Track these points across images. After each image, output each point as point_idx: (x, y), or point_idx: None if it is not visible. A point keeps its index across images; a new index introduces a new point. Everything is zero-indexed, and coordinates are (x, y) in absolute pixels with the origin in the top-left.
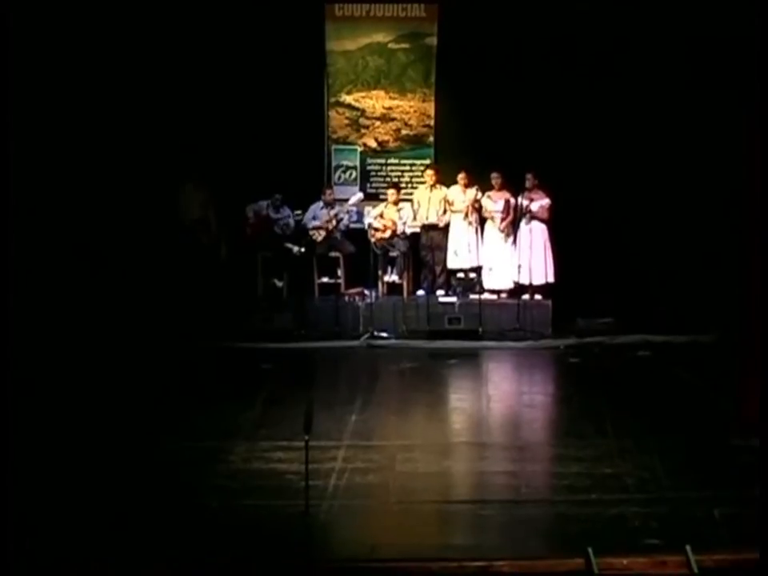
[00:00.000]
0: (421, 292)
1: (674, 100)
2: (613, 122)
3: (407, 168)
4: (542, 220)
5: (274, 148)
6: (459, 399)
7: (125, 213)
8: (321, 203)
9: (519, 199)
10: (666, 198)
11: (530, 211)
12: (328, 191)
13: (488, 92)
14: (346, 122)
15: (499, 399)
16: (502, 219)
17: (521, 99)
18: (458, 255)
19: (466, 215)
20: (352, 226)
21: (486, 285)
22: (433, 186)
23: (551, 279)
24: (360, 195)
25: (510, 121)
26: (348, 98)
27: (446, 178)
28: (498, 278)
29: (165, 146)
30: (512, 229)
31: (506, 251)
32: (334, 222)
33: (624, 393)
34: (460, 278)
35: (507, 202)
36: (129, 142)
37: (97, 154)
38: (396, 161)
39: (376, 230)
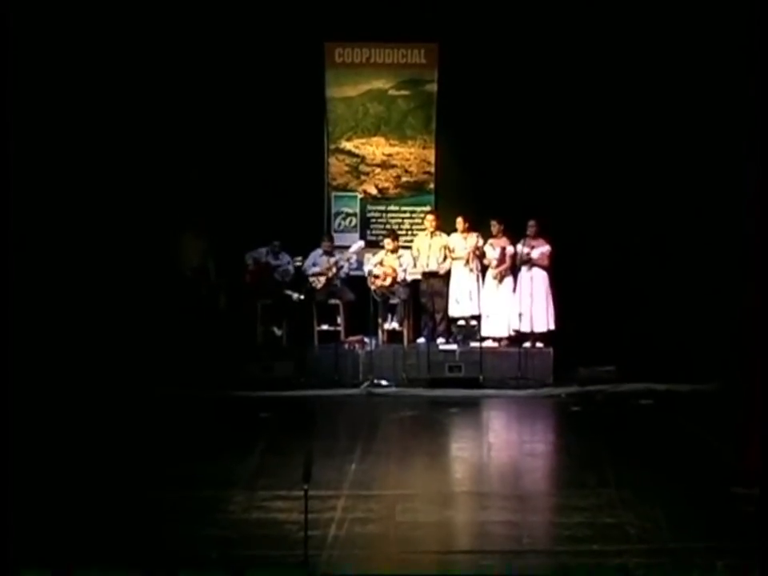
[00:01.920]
0: (421, 340)
1: (673, 144)
2: (614, 169)
3: (407, 215)
4: (542, 267)
5: (273, 195)
6: (460, 448)
7: (125, 261)
8: (321, 250)
9: (519, 246)
10: (668, 246)
11: (531, 258)
12: (326, 243)
13: (489, 139)
14: (346, 168)
15: (500, 448)
16: (496, 266)
17: (522, 146)
18: (460, 303)
19: (467, 262)
20: (352, 273)
21: (483, 332)
22: (433, 232)
23: (552, 327)
24: (361, 243)
25: (511, 168)
26: (348, 145)
27: (446, 225)
28: (495, 325)
29: (164, 193)
30: (503, 276)
31: (502, 298)
32: (334, 270)
33: (626, 442)
34: (461, 326)
35: (503, 249)
36: (128, 190)
37: (96, 200)
38: (396, 207)
39: (376, 277)
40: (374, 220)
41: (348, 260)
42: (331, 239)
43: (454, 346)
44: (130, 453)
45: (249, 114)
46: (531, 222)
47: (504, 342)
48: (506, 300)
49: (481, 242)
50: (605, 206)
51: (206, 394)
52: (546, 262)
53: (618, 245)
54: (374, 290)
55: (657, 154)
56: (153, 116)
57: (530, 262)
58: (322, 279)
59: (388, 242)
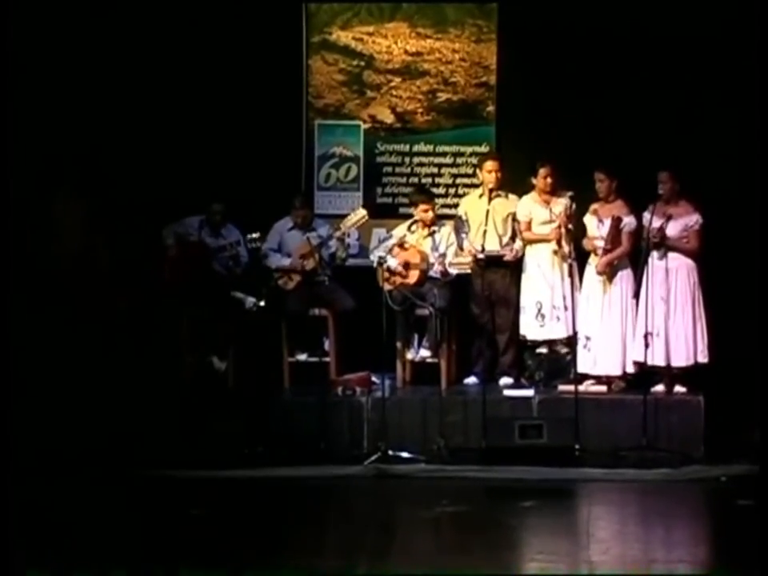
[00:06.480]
0: (471, 379)
1: None
2: None
3: (448, 161)
4: (687, 253)
5: (210, 126)
6: (542, 570)
7: None
8: (290, 222)
9: (646, 216)
10: None
11: (665, 237)
12: (300, 211)
13: (591, 29)
14: (340, 77)
15: (612, 570)
16: (603, 253)
17: (644, 42)
18: (541, 315)
19: (559, 244)
20: (349, 262)
21: (584, 367)
22: (493, 191)
23: (703, 359)
24: (362, 213)
25: (627, 82)
26: (344, 36)
27: (515, 179)
28: (602, 354)
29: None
30: (616, 269)
31: (614, 309)
32: (315, 257)
33: None
34: (541, 355)
35: (616, 221)
36: None
37: None
38: (429, 147)
39: (392, 271)
40: (388, 170)
41: (341, 239)
42: (309, 203)
43: (529, 392)
44: None
45: None
46: (663, 176)
47: (618, 385)
48: (622, 312)
49: (573, 206)
50: None
51: (94, 471)
52: (693, 245)
53: None
54: (390, 293)
55: None
56: None
57: (663, 245)
58: (296, 275)
59: (423, 208)
